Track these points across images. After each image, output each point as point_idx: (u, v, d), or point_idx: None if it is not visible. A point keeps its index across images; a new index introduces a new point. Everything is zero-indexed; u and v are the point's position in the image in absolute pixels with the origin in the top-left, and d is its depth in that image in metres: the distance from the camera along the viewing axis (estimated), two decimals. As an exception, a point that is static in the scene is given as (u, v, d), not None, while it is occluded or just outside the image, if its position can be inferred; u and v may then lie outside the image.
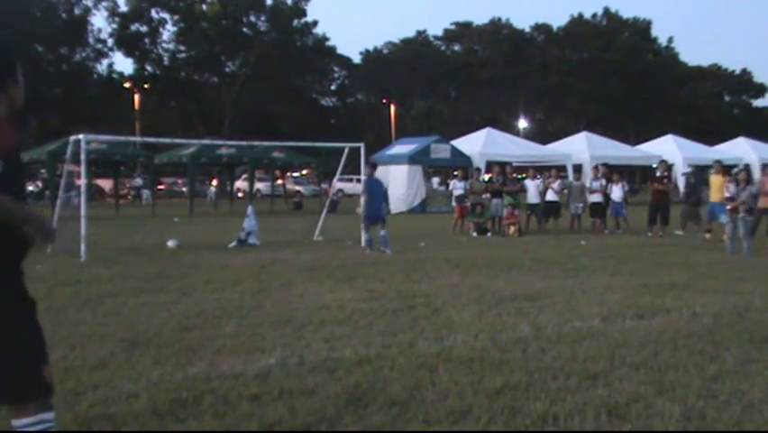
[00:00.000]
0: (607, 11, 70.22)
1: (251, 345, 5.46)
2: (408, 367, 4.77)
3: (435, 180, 36.58)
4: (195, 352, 5.22)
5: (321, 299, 7.49)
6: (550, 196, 16.97)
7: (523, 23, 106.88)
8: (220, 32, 55.99)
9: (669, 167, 17.57)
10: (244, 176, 39.33)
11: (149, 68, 57.94)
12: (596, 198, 17.25)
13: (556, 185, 17.04)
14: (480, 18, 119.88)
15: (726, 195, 12.32)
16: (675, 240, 14.66)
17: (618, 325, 6.16)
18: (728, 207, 12.07)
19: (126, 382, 4.45)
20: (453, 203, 18.99)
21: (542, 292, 7.87)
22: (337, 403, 4.03)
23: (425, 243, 14.27)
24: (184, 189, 42.40)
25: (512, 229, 16.24)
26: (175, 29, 57.25)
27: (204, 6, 55.65)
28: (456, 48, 72.53)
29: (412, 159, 27.56)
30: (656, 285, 8.35)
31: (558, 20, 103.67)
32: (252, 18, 58.21)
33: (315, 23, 60.63)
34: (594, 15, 70.51)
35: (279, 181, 42.12)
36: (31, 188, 34.73)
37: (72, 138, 13.43)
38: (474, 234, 16.46)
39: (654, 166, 21.76)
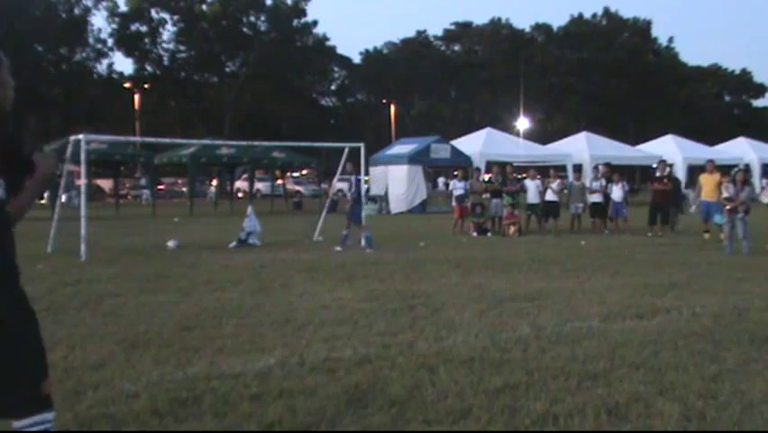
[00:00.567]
0: (607, 11, 70.30)
1: (251, 345, 5.46)
2: (408, 367, 4.77)
3: (441, 181, 36.51)
4: (195, 352, 5.22)
5: (321, 299, 7.49)
6: (549, 196, 16.97)
7: (523, 23, 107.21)
8: (220, 32, 56.04)
9: (669, 167, 17.54)
10: (244, 176, 39.36)
11: (149, 68, 57.99)
12: (596, 198, 17.25)
13: (555, 185, 17.04)
14: (480, 18, 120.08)
15: (725, 195, 12.29)
16: (676, 240, 14.65)
17: (618, 325, 6.16)
18: (727, 207, 12.06)
19: (126, 382, 4.45)
20: (453, 203, 18.99)
21: (542, 292, 7.87)
22: (337, 403, 4.03)
23: (425, 243, 14.27)
24: (184, 189, 42.44)
25: (512, 229, 16.24)
26: (175, 29, 57.32)
27: (204, 6, 55.66)
28: (456, 48, 72.59)
29: (412, 159, 27.56)
30: (656, 285, 8.35)
31: (558, 20, 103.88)
32: (252, 18, 58.27)
33: (315, 23, 60.72)
34: (594, 15, 70.62)
35: (279, 181, 42.13)
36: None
37: (72, 138, 13.43)
38: (474, 234, 16.46)
39: (654, 166, 21.75)
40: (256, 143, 21.70)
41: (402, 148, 29.47)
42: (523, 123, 56.01)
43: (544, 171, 19.67)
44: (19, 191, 2.74)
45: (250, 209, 14.60)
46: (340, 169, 16.89)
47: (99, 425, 3.76)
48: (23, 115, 52.43)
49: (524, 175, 18.16)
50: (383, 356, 5.06)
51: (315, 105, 66.88)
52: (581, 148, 32.26)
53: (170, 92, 58.58)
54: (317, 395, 4.18)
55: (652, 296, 7.60)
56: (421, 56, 67.88)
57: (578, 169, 22.23)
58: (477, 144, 30.54)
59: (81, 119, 46.54)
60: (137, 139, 30.90)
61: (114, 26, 55.29)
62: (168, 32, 57.44)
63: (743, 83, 77.20)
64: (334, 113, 70.52)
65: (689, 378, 4.53)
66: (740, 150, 38.12)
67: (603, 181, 17.38)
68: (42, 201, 25.65)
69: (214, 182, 42.41)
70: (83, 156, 12.18)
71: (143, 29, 56.75)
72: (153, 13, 56.30)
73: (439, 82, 67.49)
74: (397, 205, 27.38)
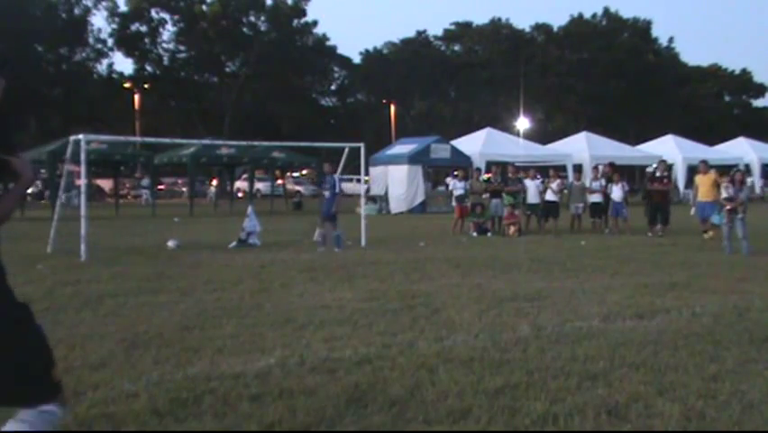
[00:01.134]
0: (607, 11, 70.25)
1: (251, 345, 5.46)
2: (408, 367, 4.77)
3: (449, 181, 36.34)
4: (195, 352, 5.22)
5: (321, 299, 7.49)
6: (549, 196, 16.98)
7: (523, 22, 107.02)
8: (220, 32, 56.04)
9: (669, 167, 17.53)
10: (244, 176, 39.35)
11: (149, 68, 57.99)
12: (596, 198, 17.26)
13: (555, 185, 17.05)
14: (480, 18, 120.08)
15: (725, 195, 12.29)
16: (676, 240, 14.65)
17: (618, 325, 6.16)
18: (727, 207, 12.06)
19: (126, 382, 4.45)
20: (453, 203, 18.99)
21: (542, 292, 7.87)
22: (337, 403, 4.03)
23: (425, 243, 14.27)
24: (184, 189, 42.45)
25: (512, 229, 16.24)
26: (175, 29, 57.32)
27: (204, 6, 55.68)
28: (456, 48, 72.56)
29: (412, 159, 27.56)
30: (656, 285, 8.35)
31: (558, 20, 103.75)
32: (252, 18, 58.27)
33: (315, 23, 60.74)
34: (594, 15, 70.56)
35: (279, 181, 42.13)
36: (31, 188, 34.70)
37: (72, 138, 13.43)
38: (474, 234, 16.47)
39: (654, 166, 21.75)
40: (256, 143, 21.69)
41: (402, 148, 29.47)
42: (523, 123, 56.02)
43: (544, 171, 19.68)
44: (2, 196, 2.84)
45: (250, 209, 14.61)
46: (340, 169, 16.91)
47: (99, 425, 3.76)
48: (23, 115, 52.55)
49: (523, 175, 18.14)
50: (383, 356, 5.06)
51: (315, 106, 66.86)
52: (581, 148, 32.27)
53: (170, 92, 58.56)
54: (317, 395, 4.18)
55: (652, 296, 7.60)
56: (421, 56, 67.85)
57: (578, 169, 22.26)
58: (477, 144, 30.55)
59: (81, 119, 46.58)
60: (137, 139, 30.89)
61: (114, 26, 55.34)
62: (168, 32, 57.53)
63: (743, 83, 77.16)
64: (334, 113, 70.51)
65: (689, 378, 4.53)
66: (740, 150, 38.13)
67: (603, 181, 17.39)
68: (43, 201, 25.65)
69: (215, 182, 42.41)
70: (83, 156, 12.17)
71: (143, 29, 56.77)
72: (153, 13, 56.33)
73: (439, 82, 67.47)
74: (397, 205, 27.38)
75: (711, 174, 14.88)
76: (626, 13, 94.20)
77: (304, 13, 59.09)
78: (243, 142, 19.99)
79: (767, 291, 7.89)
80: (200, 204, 32.16)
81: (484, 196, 17.65)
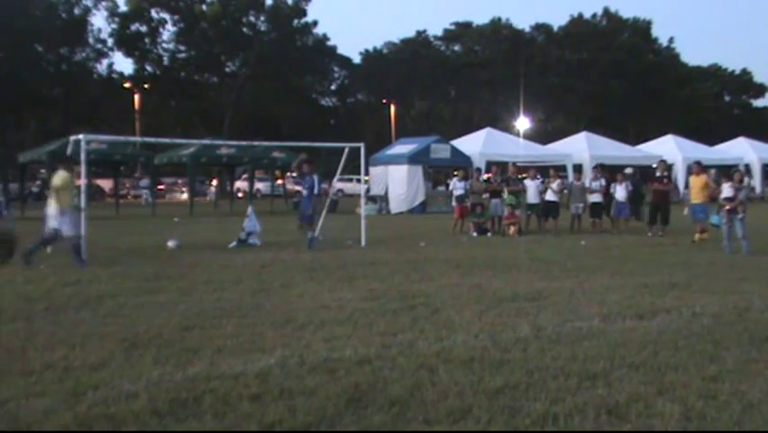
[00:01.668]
0: (607, 11, 70.22)
1: (251, 345, 5.46)
2: (408, 367, 4.77)
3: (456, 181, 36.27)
4: (195, 352, 5.22)
5: (321, 299, 7.49)
6: (549, 196, 16.98)
7: (523, 22, 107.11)
8: (220, 32, 55.98)
9: (669, 167, 17.51)
10: (244, 176, 39.33)
11: (149, 68, 57.93)
12: (596, 198, 17.25)
13: (555, 185, 17.05)
14: (480, 18, 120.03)
15: (724, 195, 12.29)
16: (676, 240, 14.64)
17: (618, 325, 6.16)
18: (726, 207, 12.06)
19: (126, 382, 4.45)
20: (453, 203, 18.99)
21: (542, 292, 7.87)
22: (337, 403, 4.03)
23: (425, 243, 14.27)
24: (184, 190, 42.45)
25: (512, 229, 16.24)
26: (175, 29, 57.26)
27: (204, 6, 55.67)
28: (456, 48, 72.50)
29: (412, 159, 27.55)
30: (656, 285, 8.35)
31: (558, 20, 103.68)
32: (252, 18, 58.21)
33: (315, 23, 60.64)
34: (594, 15, 70.53)
35: (279, 181, 42.11)
36: (32, 188, 34.73)
37: (72, 138, 13.42)
38: (474, 234, 16.46)
39: (654, 166, 21.74)
40: (256, 143, 21.68)
41: (402, 148, 29.46)
42: (523, 123, 56.00)
43: (545, 171, 19.67)
44: None
45: (250, 209, 14.60)
46: (340, 169, 16.92)
47: (99, 425, 3.76)
48: (23, 115, 52.59)
49: (524, 175, 18.15)
50: (383, 356, 5.06)
51: (314, 106, 66.82)
52: (581, 148, 32.26)
53: (170, 92, 58.51)
54: (317, 395, 4.18)
55: (652, 296, 7.60)
56: (421, 56, 67.82)
57: (578, 169, 22.25)
58: (477, 144, 30.53)
59: (81, 119, 46.58)
60: (137, 139, 30.90)
61: (114, 26, 55.26)
62: (168, 32, 57.43)
63: (743, 83, 77.15)
64: (334, 113, 70.49)
65: (689, 378, 4.53)
66: (740, 150, 38.10)
67: (603, 181, 17.38)
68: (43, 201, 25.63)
69: (215, 182, 42.41)
70: (83, 156, 12.16)
71: (143, 29, 56.70)
72: (153, 13, 56.27)
73: (439, 82, 67.44)
74: (397, 205, 27.38)
75: (703, 176, 14.81)
76: (626, 13, 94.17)
77: (304, 14, 59.06)
78: (243, 143, 19.97)
79: (767, 291, 7.89)
80: (200, 204, 32.16)
81: (484, 196, 17.66)
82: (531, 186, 17.19)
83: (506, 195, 16.98)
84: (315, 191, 12.99)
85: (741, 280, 8.84)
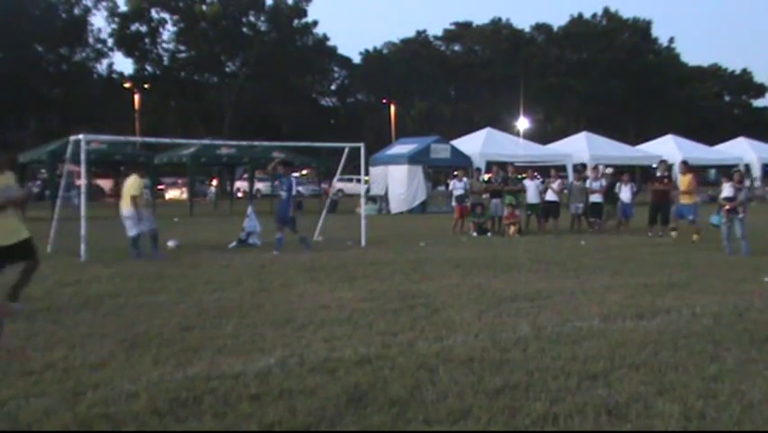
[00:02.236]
0: (607, 11, 70.25)
1: (251, 345, 5.46)
2: (408, 367, 4.77)
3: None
4: (195, 352, 5.22)
5: (321, 299, 7.49)
6: (549, 196, 16.97)
7: (523, 22, 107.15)
8: (220, 32, 56.02)
9: (669, 167, 17.49)
10: (244, 176, 39.32)
11: (149, 68, 57.97)
12: (596, 198, 17.24)
13: (555, 185, 17.04)
14: (480, 18, 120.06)
15: (724, 195, 12.28)
16: (676, 240, 14.64)
17: (618, 325, 6.16)
18: (726, 207, 12.06)
19: (126, 382, 4.46)
20: (453, 203, 18.99)
21: (542, 292, 7.87)
22: (337, 403, 4.03)
23: (425, 243, 14.27)
24: (184, 190, 42.45)
25: (512, 229, 16.24)
26: (175, 29, 57.30)
27: (204, 6, 55.67)
28: (456, 48, 72.54)
29: (412, 159, 27.55)
30: (656, 285, 8.35)
31: (558, 20, 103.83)
32: (252, 18, 58.25)
33: (315, 23, 60.72)
34: (594, 15, 70.58)
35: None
36: (33, 188, 34.75)
37: (72, 138, 13.42)
38: (474, 234, 16.46)
39: (654, 166, 21.74)
40: (256, 143, 21.66)
41: (402, 148, 29.45)
42: (523, 123, 56.04)
43: (545, 171, 19.66)
44: None
45: (250, 209, 14.60)
46: (340, 169, 16.94)
47: (99, 425, 3.76)
48: (23, 116, 52.58)
49: (523, 175, 18.14)
50: (383, 356, 5.06)
51: (315, 105, 66.84)
52: (581, 148, 32.23)
53: (170, 92, 58.53)
54: (317, 395, 4.18)
55: (652, 296, 7.60)
56: (421, 56, 67.85)
57: (578, 169, 22.25)
58: (477, 144, 30.50)
59: (81, 119, 46.54)
60: (137, 139, 30.85)
61: (114, 26, 55.30)
62: (168, 32, 57.48)
63: (743, 83, 77.19)
64: (334, 113, 70.50)
65: (689, 378, 4.53)
66: (740, 150, 38.06)
67: (603, 181, 17.37)
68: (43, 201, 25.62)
69: (215, 182, 42.40)
70: (83, 156, 12.16)
71: (143, 29, 56.73)
72: (153, 13, 56.30)
73: (439, 82, 67.46)
74: (397, 205, 27.38)
75: (688, 176, 14.84)
76: (626, 13, 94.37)
77: (304, 14, 59.11)
78: (243, 142, 19.96)
79: (767, 291, 7.89)
80: (200, 204, 32.15)
81: (484, 196, 17.65)
82: (531, 186, 17.18)
83: (506, 194, 16.99)
84: (293, 192, 12.79)
85: (741, 280, 8.84)
